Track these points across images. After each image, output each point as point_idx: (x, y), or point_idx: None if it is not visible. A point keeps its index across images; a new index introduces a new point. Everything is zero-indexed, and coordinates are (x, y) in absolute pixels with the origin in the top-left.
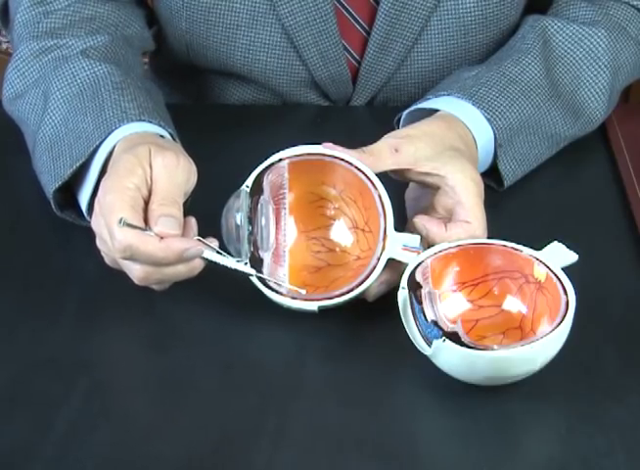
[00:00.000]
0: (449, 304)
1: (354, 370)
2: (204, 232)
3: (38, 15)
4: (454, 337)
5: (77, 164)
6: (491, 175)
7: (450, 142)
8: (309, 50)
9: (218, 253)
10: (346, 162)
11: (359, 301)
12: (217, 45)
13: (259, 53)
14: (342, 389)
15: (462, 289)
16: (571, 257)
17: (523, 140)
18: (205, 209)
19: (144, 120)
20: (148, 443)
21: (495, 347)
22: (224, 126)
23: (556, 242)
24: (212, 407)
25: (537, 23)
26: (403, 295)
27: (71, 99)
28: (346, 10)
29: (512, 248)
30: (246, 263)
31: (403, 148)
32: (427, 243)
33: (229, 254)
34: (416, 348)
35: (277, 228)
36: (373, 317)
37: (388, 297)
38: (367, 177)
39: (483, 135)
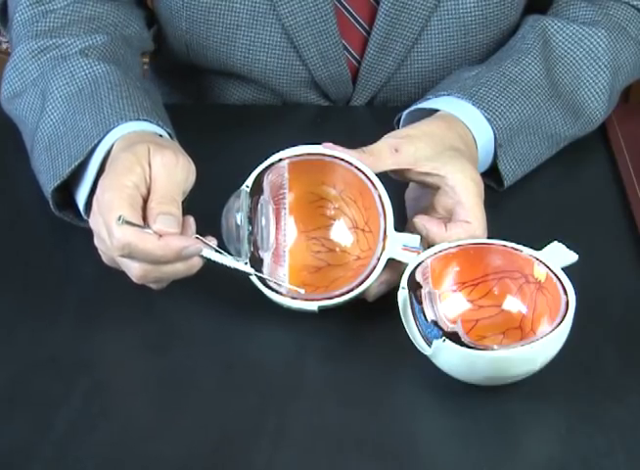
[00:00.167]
0: (449, 304)
1: (354, 370)
2: (204, 232)
3: (37, 14)
4: (454, 337)
5: (76, 163)
6: (491, 175)
7: (450, 142)
8: (309, 50)
9: (217, 251)
10: (346, 162)
11: (359, 301)
12: (217, 45)
13: (259, 53)
14: (342, 389)
15: (462, 289)
16: (571, 257)
17: (523, 140)
18: (205, 209)
19: (142, 119)
20: (148, 443)
21: (495, 347)
22: (224, 126)
23: (556, 242)
24: (212, 407)
25: (537, 23)
26: (403, 295)
27: (70, 98)
28: (347, 10)
29: (512, 248)
30: (246, 263)
31: (403, 148)
32: (427, 243)
33: (229, 253)
34: (416, 348)
35: (277, 228)
36: (373, 317)
37: (388, 297)
38: (367, 177)
39: (483, 135)
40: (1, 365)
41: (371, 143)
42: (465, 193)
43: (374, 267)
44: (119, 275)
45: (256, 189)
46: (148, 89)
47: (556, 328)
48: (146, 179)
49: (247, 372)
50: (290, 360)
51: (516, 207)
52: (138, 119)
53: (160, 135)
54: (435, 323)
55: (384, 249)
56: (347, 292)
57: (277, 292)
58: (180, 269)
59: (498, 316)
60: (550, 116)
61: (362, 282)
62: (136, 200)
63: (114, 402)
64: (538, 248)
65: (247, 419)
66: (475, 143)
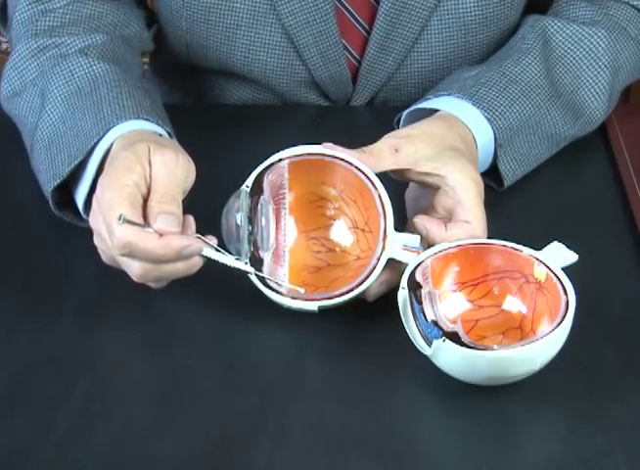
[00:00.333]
0: (449, 304)
1: (354, 370)
2: (204, 232)
3: (37, 13)
4: (454, 337)
5: (76, 162)
6: (491, 175)
7: (450, 142)
8: (309, 50)
9: (218, 251)
10: (346, 162)
11: (359, 301)
12: (217, 45)
13: (259, 53)
14: (342, 389)
15: (462, 289)
16: (571, 257)
17: (523, 140)
18: (205, 209)
19: (142, 118)
20: (148, 443)
21: (495, 347)
22: (224, 126)
23: (556, 242)
24: (212, 407)
25: (537, 23)
26: (403, 295)
27: (70, 97)
28: (347, 10)
29: (512, 248)
30: (246, 263)
31: (403, 148)
32: (427, 243)
33: (229, 253)
34: (416, 348)
35: (277, 228)
36: (373, 317)
37: (389, 297)
38: (367, 177)
39: (483, 135)
40: (1, 365)
41: (371, 143)
42: (465, 193)
43: (374, 267)
44: (119, 275)
45: (256, 189)
46: (147, 89)
47: (556, 328)
48: (146, 178)
49: (247, 372)
50: (290, 360)
51: (516, 207)
52: (138, 118)
53: (160, 134)
54: (435, 323)
55: (384, 249)
56: (347, 292)
57: (277, 292)
58: (180, 269)
59: (498, 316)
60: (550, 116)
61: (362, 282)
62: (136, 198)
63: (114, 402)
64: (538, 248)
65: (247, 419)
66: (475, 143)
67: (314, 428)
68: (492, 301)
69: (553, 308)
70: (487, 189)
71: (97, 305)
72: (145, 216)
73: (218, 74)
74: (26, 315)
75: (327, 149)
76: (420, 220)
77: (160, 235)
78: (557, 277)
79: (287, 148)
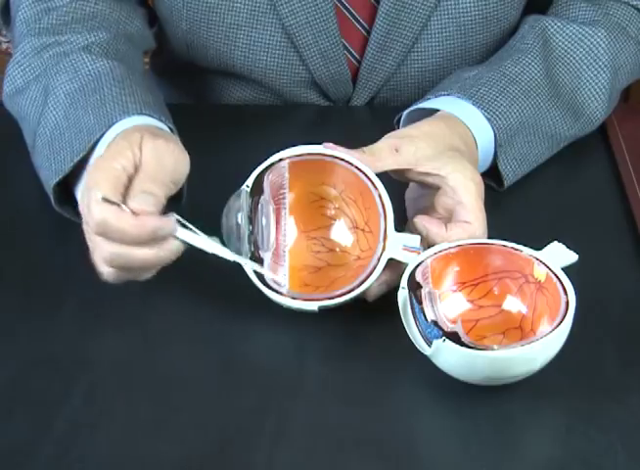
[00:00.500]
0: (449, 304)
1: (354, 370)
2: (203, 232)
3: (40, 12)
4: (454, 337)
5: (78, 158)
6: (491, 175)
7: (450, 142)
8: (310, 50)
9: (195, 233)
10: (347, 162)
11: (359, 301)
12: (218, 45)
13: (260, 53)
14: (342, 389)
15: (462, 289)
16: (571, 257)
17: (523, 140)
18: (205, 208)
19: (144, 114)
20: (148, 442)
21: (495, 347)
22: (224, 126)
23: (556, 242)
24: (212, 407)
25: (537, 23)
26: (403, 295)
27: (73, 94)
28: (347, 9)
29: (512, 248)
30: (246, 263)
31: (403, 148)
32: (427, 243)
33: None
34: (416, 348)
35: (277, 228)
36: (373, 317)
37: (389, 297)
38: (367, 177)
39: (484, 135)
40: (1, 365)
41: (371, 143)
42: (465, 193)
43: (374, 267)
44: None
45: (257, 189)
46: (150, 85)
47: (556, 328)
48: (136, 163)
49: (247, 372)
50: (290, 360)
51: (516, 207)
52: (140, 114)
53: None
54: (435, 323)
55: (384, 249)
56: (348, 292)
57: (277, 292)
58: (150, 256)
59: (498, 316)
60: (550, 115)
61: (362, 282)
62: (120, 181)
63: (115, 402)
64: (538, 248)
65: (246, 419)
66: (475, 143)
67: (314, 428)
68: (492, 301)
69: (553, 308)
70: (487, 189)
71: (97, 305)
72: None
73: (218, 74)
74: (27, 315)
75: (327, 149)
76: (420, 220)
77: (136, 215)
78: (557, 277)
79: (287, 148)
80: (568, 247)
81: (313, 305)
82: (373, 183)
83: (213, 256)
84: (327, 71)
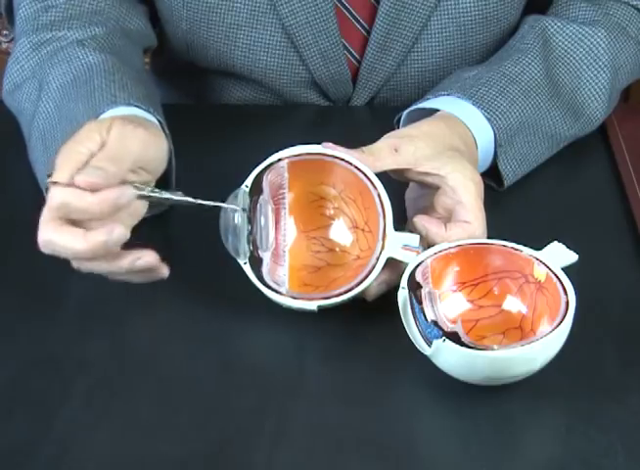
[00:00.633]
0: (449, 304)
1: (354, 370)
2: (203, 231)
3: (39, 10)
4: (454, 337)
5: None
6: (491, 175)
7: (450, 142)
8: (310, 50)
9: (154, 191)
10: (346, 161)
11: (359, 301)
12: (218, 45)
13: (260, 53)
14: (342, 389)
15: (462, 289)
16: (571, 257)
17: (523, 140)
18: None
19: (132, 105)
20: (148, 442)
21: (495, 347)
22: (224, 126)
23: (556, 242)
24: (212, 407)
25: (537, 22)
26: (403, 295)
27: (65, 87)
28: (347, 9)
29: (512, 248)
30: (245, 263)
31: (403, 148)
32: (426, 243)
33: (230, 253)
34: (416, 348)
35: (277, 228)
36: (373, 317)
37: (389, 297)
38: (367, 177)
39: (484, 135)
40: (1, 365)
41: (371, 143)
42: (465, 193)
43: (373, 267)
44: None
45: (256, 189)
46: (144, 79)
47: (556, 328)
48: (102, 146)
49: (246, 372)
50: (290, 360)
51: (516, 207)
52: (128, 105)
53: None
54: (435, 323)
55: (383, 248)
56: (347, 291)
57: (276, 292)
58: (81, 244)
59: (498, 316)
60: (550, 115)
61: (362, 282)
62: (84, 163)
63: (114, 402)
64: (538, 248)
65: (246, 419)
66: (475, 143)
67: (314, 428)
68: (492, 301)
69: (553, 308)
70: (487, 189)
71: (97, 305)
72: None
73: (218, 74)
74: (26, 315)
75: (327, 149)
76: (420, 220)
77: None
78: (557, 277)
79: (287, 148)
80: (568, 247)
81: (313, 305)
82: (372, 183)
83: (182, 205)
84: (327, 71)
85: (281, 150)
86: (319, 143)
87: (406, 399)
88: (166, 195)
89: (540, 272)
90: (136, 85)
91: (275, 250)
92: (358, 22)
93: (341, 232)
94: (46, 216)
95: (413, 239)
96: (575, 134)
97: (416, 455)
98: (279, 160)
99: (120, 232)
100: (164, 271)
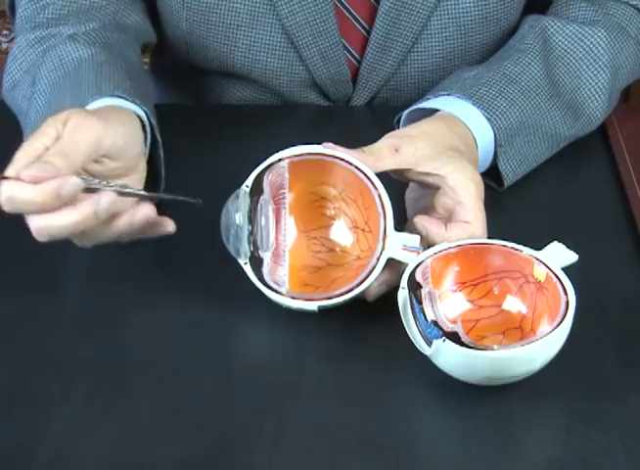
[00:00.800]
0: (449, 304)
1: (354, 370)
2: (203, 232)
3: (37, 8)
4: (454, 337)
5: None
6: (491, 175)
7: (450, 142)
8: (309, 50)
9: (101, 183)
10: (346, 161)
11: (359, 301)
12: (218, 45)
13: (259, 53)
14: (342, 389)
15: (462, 289)
16: (571, 257)
17: (523, 140)
18: (204, 208)
19: (117, 96)
20: (148, 443)
21: (495, 347)
22: (224, 126)
23: (556, 242)
24: (212, 407)
25: (537, 22)
26: (403, 295)
27: (56, 83)
28: (347, 9)
29: (512, 248)
30: (245, 263)
31: (403, 148)
32: (427, 243)
33: (230, 253)
34: (416, 348)
35: (277, 228)
36: (373, 317)
37: (389, 297)
38: (367, 177)
39: (484, 135)
40: (1, 365)
41: (371, 143)
42: (465, 193)
43: (374, 267)
44: (120, 275)
45: (256, 189)
46: (137, 72)
47: (556, 328)
48: (58, 139)
49: (247, 372)
50: (290, 360)
51: (516, 207)
52: (112, 96)
53: (138, 115)
54: (435, 323)
55: (383, 249)
56: (347, 292)
57: (277, 292)
58: (71, 218)
59: (498, 316)
60: (550, 115)
61: (362, 282)
62: (36, 159)
63: (115, 402)
64: (538, 248)
65: (247, 419)
66: (475, 143)
67: (314, 428)
68: (492, 301)
69: (553, 308)
70: (487, 189)
71: (97, 304)
72: None
73: (218, 75)
74: (26, 315)
75: (327, 149)
76: (420, 220)
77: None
78: (557, 277)
79: (287, 148)
80: (568, 247)
81: (313, 305)
82: (373, 183)
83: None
84: (327, 72)
85: (281, 150)
86: (319, 143)
87: (406, 399)
88: (116, 187)
89: (540, 272)
90: (124, 77)
91: (275, 250)
92: (358, 22)
93: (341, 232)
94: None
95: (413, 239)
96: (575, 134)
97: (416, 455)
98: (279, 160)
99: (108, 199)
100: (169, 225)
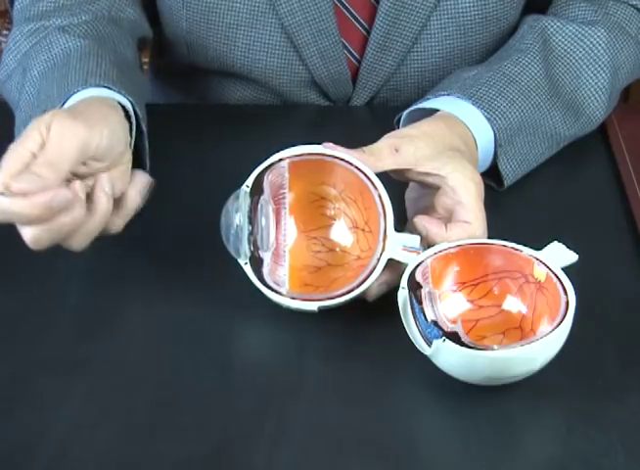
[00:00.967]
0: (449, 304)
1: (354, 370)
2: (203, 232)
3: (32, 1)
4: (454, 337)
5: None
6: (491, 175)
7: (450, 142)
8: (309, 49)
9: None
10: (347, 161)
11: (359, 301)
12: (217, 45)
13: (259, 52)
14: (342, 389)
15: (462, 289)
16: (571, 257)
17: (523, 140)
18: (205, 209)
19: (102, 86)
20: (148, 443)
21: (495, 347)
22: (224, 126)
23: (556, 242)
24: (212, 407)
25: (537, 22)
26: (403, 295)
27: (45, 73)
28: (346, 9)
29: (512, 248)
30: (245, 263)
31: (403, 148)
32: (427, 243)
33: (230, 253)
34: (416, 348)
35: (277, 228)
36: (373, 317)
37: (389, 297)
38: (367, 177)
39: (484, 135)
40: (1, 364)
41: (371, 143)
42: (465, 193)
43: (374, 267)
44: (120, 275)
45: (257, 189)
46: (127, 65)
47: (556, 328)
48: (42, 144)
49: (246, 372)
50: (290, 360)
51: (516, 207)
52: (98, 86)
53: (120, 103)
54: (435, 323)
55: (384, 249)
56: (347, 292)
57: (277, 292)
58: (67, 222)
59: (498, 316)
60: (550, 115)
61: (362, 282)
62: (25, 164)
63: (115, 402)
64: (538, 248)
65: (247, 419)
66: (475, 143)
67: (314, 428)
68: (492, 301)
69: (553, 308)
70: (487, 189)
71: (97, 304)
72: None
73: (218, 74)
74: (27, 315)
75: (327, 149)
76: (420, 220)
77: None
78: (557, 277)
79: (287, 148)
80: (568, 247)
81: (313, 306)
82: (373, 183)
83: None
84: (326, 71)
85: (281, 150)
86: (319, 143)
87: (406, 399)
88: None
89: (540, 272)
90: (111, 68)
91: (275, 250)
92: (358, 21)
93: (341, 232)
94: None
95: (413, 240)
96: (575, 134)
97: (416, 455)
98: (280, 160)
99: (63, 194)
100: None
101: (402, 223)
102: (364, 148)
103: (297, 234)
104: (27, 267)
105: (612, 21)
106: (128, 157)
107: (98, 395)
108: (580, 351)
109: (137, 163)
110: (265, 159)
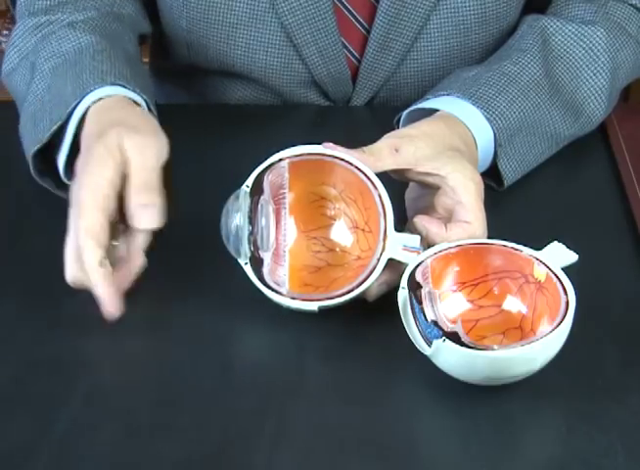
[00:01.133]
0: (449, 304)
1: (354, 370)
2: (203, 232)
3: None
4: (454, 337)
5: (55, 127)
6: (491, 175)
7: (450, 142)
8: (309, 48)
9: None
10: (347, 161)
11: (359, 301)
12: (217, 44)
13: (259, 52)
14: (342, 389)
15: (462, 289)
16: (571, 257)
17: (522, 140)
18: (205, 209)
19: (118, 85)
20: (148, 443)
21: (495, 347)
22: (224, 126)
23: (556, 242)
24: (212, 407)
25: (536, 22)
26: (403, 295)
27: (56, 68)
28: (346, 8)
29: (512, 248)
30: (246, 263)
31: (403, 148)
32: (427, 243)
33: (230, 252)
34: (416, 348)
35: (277, 228)
36: (373, 317)
37: (389, 297)
38: (367, 177)
39: (483, 135)
40: (1, 365)
41: (371, 143)
42: (465, 193)
43: (374, 267)
44: None
45: (257, 189)
46: (135, 62)
47: (556, 328)
48: (119, 168)
49: (246, 372)
50: (290, 360)
51: (516, 207)
52: (114, 84)
53: (135, 102)
54: (435, 323)
55: (384, 249)
56: (348, 292)
57: (277, 292)
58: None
59: (498, 316)
60: (550, 115)
61: (362, 282)
62: (109, 203)
63: (115, 402)
64: (538, 248)
65: (247, 419)
66: (475, 143)
67: (314, 428)
68: (492, 301)
69: (553, 308)
70: (487, 189)
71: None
72: (122, 209)
73: (218, 74)
74: (27, 315)
75: (327, 149)
76: (420, 220)
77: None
78: (557, 277)
79: (287, 148)
80: (568, 247)
81: (313, 306)
82: (373, 183)
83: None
84: (326, 70)
85: (281, 150)
86: (319, 143)
87: (406, 399)
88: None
89: (540, 272)
90: (124, 66)
91: (275, 250)
92: (358, 21)
93: (341, 232)
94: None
95: (413, 240)
96: (575, 134)
97: (416, 455)
98: (280, 160)
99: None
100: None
101: (402, 223)
102: (364, 148)
103: (298, 234)
104: (27, 268)
105: (611, 20)
106: None
107: (98, 395)
108: (580, 351)
109: None
110: (265, 159)
